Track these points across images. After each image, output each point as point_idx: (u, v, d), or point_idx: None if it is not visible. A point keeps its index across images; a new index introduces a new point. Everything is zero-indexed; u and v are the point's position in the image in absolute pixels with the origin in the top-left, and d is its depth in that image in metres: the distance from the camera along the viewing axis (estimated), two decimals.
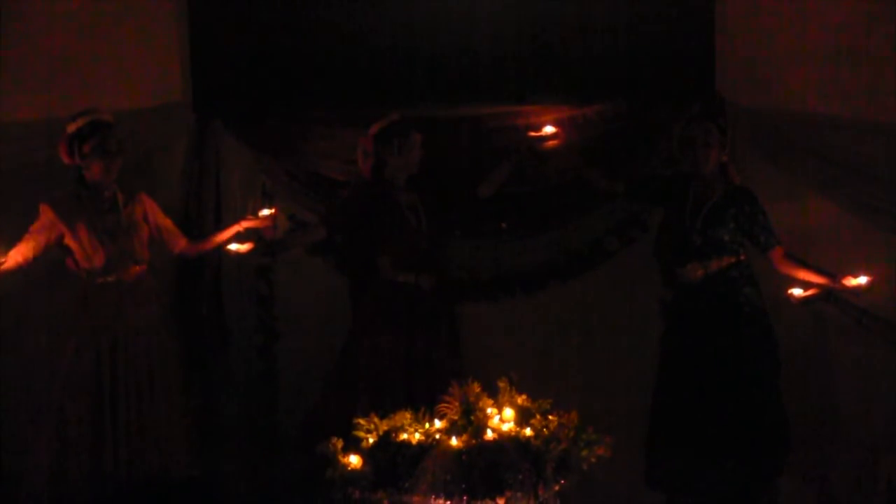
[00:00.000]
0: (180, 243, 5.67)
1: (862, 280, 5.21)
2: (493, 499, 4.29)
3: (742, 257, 5.32)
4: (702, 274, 5.30)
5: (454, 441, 4.39)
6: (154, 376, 5.43)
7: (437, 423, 4.53)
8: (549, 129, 5.69)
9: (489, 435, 4.42)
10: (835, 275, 5.27)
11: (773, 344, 5.31)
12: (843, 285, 5.24)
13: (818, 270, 5.32)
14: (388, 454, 4.40)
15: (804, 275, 5.32)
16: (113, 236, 5.41)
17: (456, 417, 4.49)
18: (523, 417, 4.51)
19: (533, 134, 5.71)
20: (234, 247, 5.55)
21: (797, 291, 5.32)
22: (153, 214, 5.58)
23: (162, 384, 5.45)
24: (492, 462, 4.29)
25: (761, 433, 5.21)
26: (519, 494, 4.29)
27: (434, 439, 4.43)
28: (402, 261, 5.53)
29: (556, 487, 4.39)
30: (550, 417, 4.52)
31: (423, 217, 5.59)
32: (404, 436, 4.46)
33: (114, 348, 5.37)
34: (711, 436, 5.19)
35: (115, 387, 5.36)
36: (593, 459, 4.46)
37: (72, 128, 5.36)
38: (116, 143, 5.37)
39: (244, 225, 5.64)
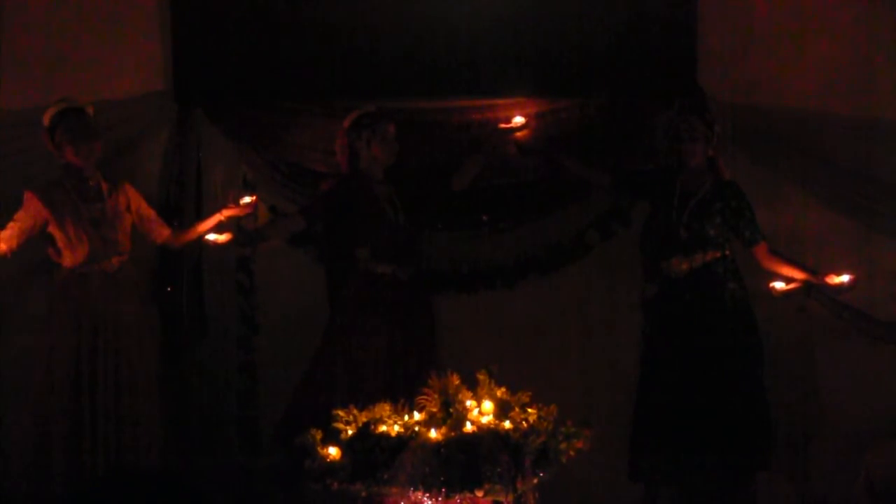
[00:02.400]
0: (164, 233, 5.66)
1: (845, 278, 5.24)
2: (472, 491, 4.27)
3: (727, 252, 5.32)
4: (686, 268, 5.30)
5: (433, 433, 4.37)
6: (133, 367, 5.42)
7: (417, 416, 4.52)
8: (518, 120, 5.69)
9: (468, 427, 4.39)
10: (817, 272, 5.28)
11: (757, 339, 5.32)
12: (827, 283, 5.25)
13: (802, 267, 5.34)
14: (366, 446, 4.37)
15: (787, 271, 5.34)
16: (97, 226, 5.41)
17: (435, 410, 4.48)
18: (502, 410, 4.49)
19: (503, 126, 5.70)
20: (212, 237, 5.54)
21: (779, 285, 5.34)
22: (137, 204, 5.58)
23: (141, 375, 5.43)
24: (470, 454, 4.27)
25: (744, 428, 5.22)
26: (497, 487, 4.27)
27: (413, 431, 4.41)
28: (380, 252, 5.52)
29: (535, 480, 4.38)
30: (530, 410, 4.50)
31: (399, 209, 5.58)
32: (383, 428, 4.45)
33: (94, 339, 5.36)
34: (694, 430, 5.19)
35: (95, 377, 5.34)
36: (572, 453, 4.45)
37: (45, 118, 5.38)
38: (83, 127, 5.36)
39: (225, 213, 5.64)
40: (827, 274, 5.27)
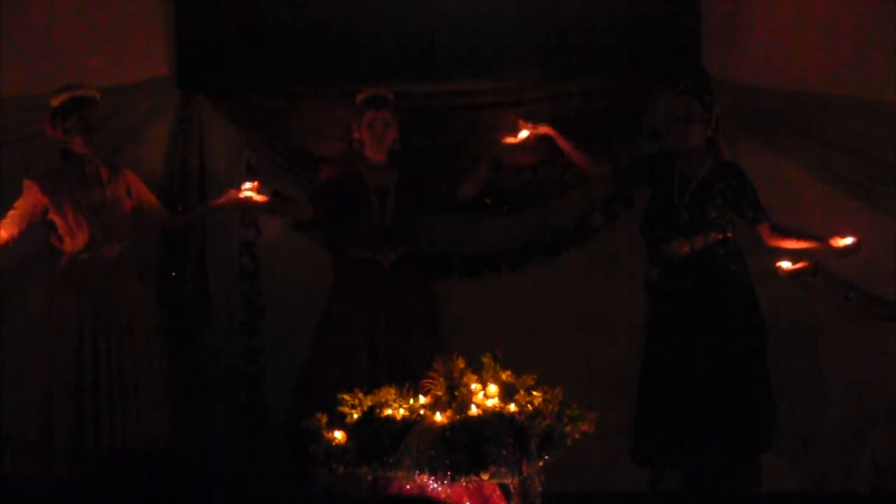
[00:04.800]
0: (164, 218, 5.66)
1: (849, 240, 5.21)
2: (477, 474, 4.28)
3: (729, 234, 5.32)
4: (688, 250, 5.29)
5: (438, 417, 4.39)
6: (137, 353, 5.41)
7: (422, 399, 4.53)
8: (524, 135, 5.62)
9: (473, 411, 4.40)
10: (823, 238, 5.27)
11: (760, 321, 5.32)
12: (832, 246, 5.23)
13: (806, 236, 5.32)
14: (372, 430, 4.39)
15: (793, 244, 5.32)
16: (97, 212, 5.40)
17: (440, 393, 4.48)
18: (507, 393, 4.49)
19: (509, 140, 5.61)
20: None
21: (785, 265, 5.31)
22: (137, 189, 5.57)
23: (145, 361, 5.42)
24: (476, 438, 4.27)
25: (748, 409, 5.22)
26: (503, 470, 4.29)
27: (418, 415, 4.42)
28: (359, 237, 5.54)
29: (540, 463, 4.39)
30: (535, 393, 4.51)
31: (391, 194, 5.57)
32: (389, 411, 4.46)
33: (96, 325, 5.35)
34: (698, 412, 5.20)
35: (97, 363, 5.34)
36: (577, 435, 4.46)
37: (55, 103, 5.35)
38: (96, 119, 5.35)
39: (225, 198, 5.61)
40: (831, 237, 5.26)
